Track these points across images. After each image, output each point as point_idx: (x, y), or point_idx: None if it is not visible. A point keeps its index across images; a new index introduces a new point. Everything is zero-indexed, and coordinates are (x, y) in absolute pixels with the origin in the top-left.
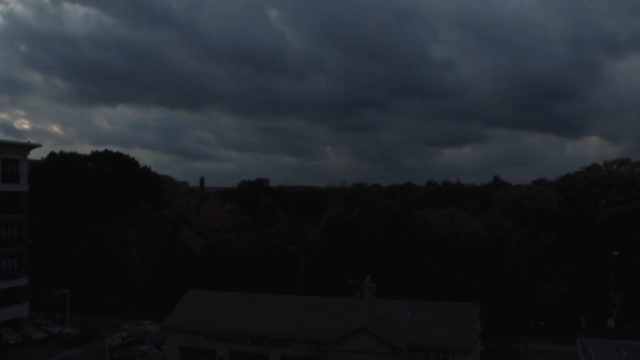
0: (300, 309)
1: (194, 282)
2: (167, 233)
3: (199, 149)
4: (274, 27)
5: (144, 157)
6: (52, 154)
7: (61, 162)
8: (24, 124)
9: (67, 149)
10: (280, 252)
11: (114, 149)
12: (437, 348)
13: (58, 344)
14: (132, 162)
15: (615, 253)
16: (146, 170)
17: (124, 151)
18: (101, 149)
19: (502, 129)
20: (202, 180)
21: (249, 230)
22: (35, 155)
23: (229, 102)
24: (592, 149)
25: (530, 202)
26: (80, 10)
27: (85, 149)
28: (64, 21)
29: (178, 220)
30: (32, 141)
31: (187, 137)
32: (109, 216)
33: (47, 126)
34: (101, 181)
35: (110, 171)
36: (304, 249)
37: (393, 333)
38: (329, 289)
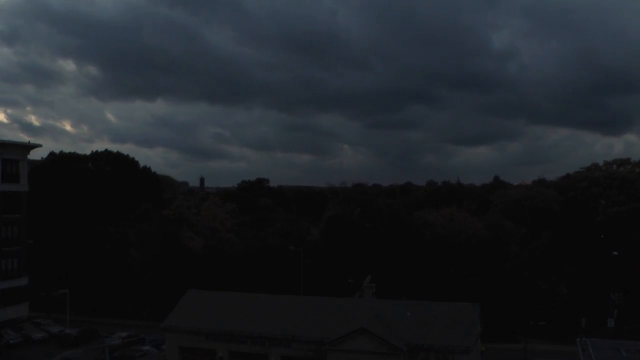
0: (300, 309)
1: (194, 282)
2: (167, 233)
3: (215, 146)
4: (326, 11)
5: (155, 155)
6: (52, 154)
7: (61, 162)
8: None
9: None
10: (280, 252)
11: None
12: (437, 348)
13: (58, 344)
14: (132, 162)
15: (615, 253)
16: (146, 170)
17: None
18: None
19: (544, 126)
20: (202, 180)
21: (249, 230)
22: (35, 155)
23: (273, 95)
24: (624, 146)
25: (530, 202)
26: None
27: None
28: (95, 2)
29: (178, 220)
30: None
31: (204, 133)
32: (109, 216)
33: (67, 121)
34: (101, 181)
35: (110, 171)
36: (304, 249)
37: (393, 333)
38: (329, 289)
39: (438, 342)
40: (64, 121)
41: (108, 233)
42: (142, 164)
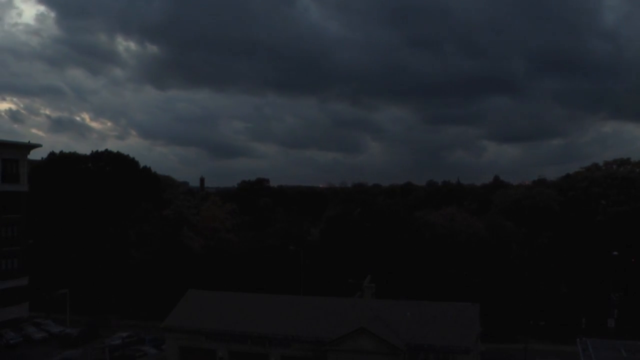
0: (300, 309)
1: (194, 282)
2: (167, 233)
3: (235, 143)
4: None
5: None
6: (52, 153)
7: (61, 162)
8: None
9: None
10: (280, 252)
11: None
12: (437, 348)
13: (58, 344)
14: (132, 162)
15: (615, 253)
16: (146, 170)
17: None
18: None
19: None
20: (202, 180)
21: (249, 230)
22: (35, 155)
23: (353, 82)
24: None
25: (530, 202)
26: None
27: None
28: None
29: (178, 220)
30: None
31: (226, 128)
32: (109, 216)
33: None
34: (101, 181)
35: (110, 171)
36: (304, 249)
37: (393, 333)
38: (329, 289)
39: (438, 342)
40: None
41: (108, 233)
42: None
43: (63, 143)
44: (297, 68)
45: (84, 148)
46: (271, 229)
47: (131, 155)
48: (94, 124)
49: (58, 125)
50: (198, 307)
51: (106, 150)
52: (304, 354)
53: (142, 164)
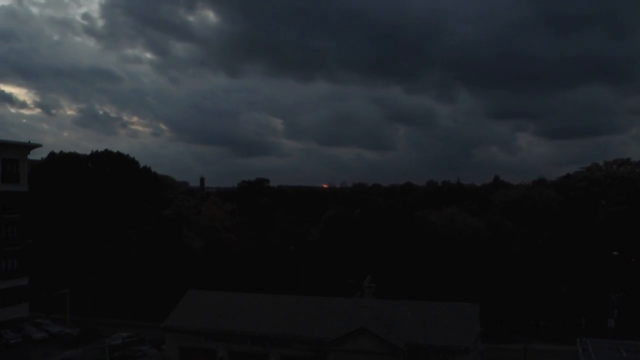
0: (300, 309)
1: (194, 282)
2: (167, 233)
3: (259, 140)
4: None
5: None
6: (52, 153)
7: (61, 162)
8: None
9: None
10: (280, 252)
11: None
12: (437, 348)
13: (58, 344)
14: (132, 162)
15: (615, 253)
16: (146, 170)
17: None
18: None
19: None
20: (202, 180)
21: (249, 230)
22: (35, 155)
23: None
24: None
25: (530, 202)
26: None
27: None
28: None
29: (178, 220)
30: None
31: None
32: (109, 216)
33: None
34: (101, 181)
35: (110, 171)
36: (304, 249)
37: (393, 333)
38: (329, 289)
39: (438, 342)
40: None
41: (108, 233)
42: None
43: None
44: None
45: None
46: (271, 229)
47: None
48: None
49: None
50: (198, 307)
51: (106, 150)
52: (304, 354)
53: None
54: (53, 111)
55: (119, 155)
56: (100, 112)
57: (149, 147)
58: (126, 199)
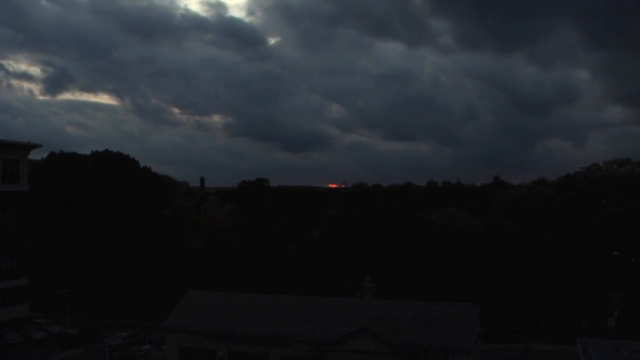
0: (300, 309)
1: (194, 282)
2: (167, 233)
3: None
4: None
5: None
6: (52, 153)
7: (61, 162)
8: None
9: None
10: (280, 252)
11: None
12: (437, 348)
13: (58, 344)
14: (132, 162)
15: (615, 253)
16: (146, 170)
17: None
18: None
19: None
20: (202, 180)
21: (249, 230)
22: (35, 155)
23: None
24: None
25: (530, 202)
26: None
27: None
28: None
29: (178, 220)
30: None
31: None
32: (109, 216)
33: None
34: (101, 181)
35: (110, 171)
36: (304, 249)
37: (393, 333)
38: (329, 289)
39: (438, 342)
40: None
41: (108, 233)
42: None
43: None
44: None
45: None
46: (271, 229)
47: None
48: None
49: None
50: (198, 307)
51: (106, 150)
52: (304, 354)
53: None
54: None
55: (119, 155)
56: None
57: None
58: (126, 198)
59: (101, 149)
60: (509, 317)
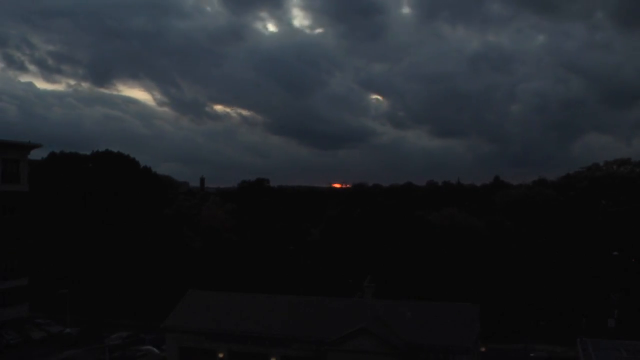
0: (300, 309)
1: (194, 282)
2: (168, 233)
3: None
4: None
5: None
6: (52, 153)
7: (61, 162)
8: None
9: None
10: (280, 252)
11: None
12: (437, 348)
13: (58, 344)
14: (132, 162)
15: (616, 253)
16: (146, 170)
17: None
18: None
19: None
20: (202, 180)
21: (249, 230)
22: (35, 155)
23: None
24: None
25: (531, 202)
26: None
27: None
28: None
29: (178, 220)
30: None
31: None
32: (109, 216)
33: None
34: (101, 181)
35: (111, 171)
36: (304, 249)
37: (393, 333)
38: (329, 289)
39: (438, 342)
40: None
41: (108, 233)
42: None
43: None
44: None
45: None
46: (271, 229)
47: None
48: None
49: None
50: (198, 307)
51: (106, 150)
52: (304, 354)
53: None
54: None
55: (119, 155)
56: None
57: None
58: (126, 198)
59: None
60: (509, 317)
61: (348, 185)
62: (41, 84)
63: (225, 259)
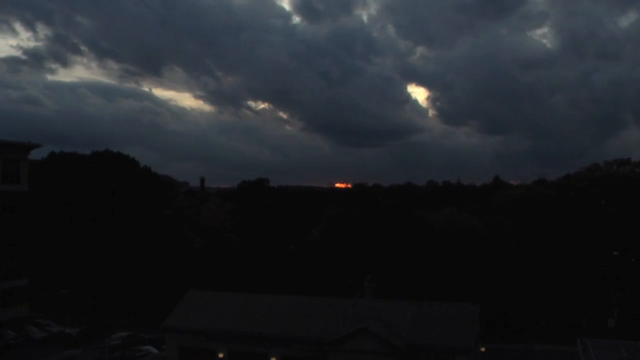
0: (300, 309)
1: (194, 282)
2: (168, 233)
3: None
4: None
5: None
6: (52, 153)
7: (61, 162)
8: None
9: None
10: (280, 252)
11: None
12: (437, 348)
13: (58, 344)
14: (132, 162)
15: (616, 253)
16: (146, 170)
17: None
18: None
19: None
20: (202, 180)
21: (249, 230)
22: (35, 155)
23: None
24: None
25: (530, 202)
26: None
27: None
28: None
29: (178, 220)
30: None
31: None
32: (109, 216)
33: None
34: (101, 181)
35: (111, 171)
36: (304, 249)
37: (393, 333)
38: (329, 289)
39: (438, 342)
40: None
41: (108, 233)
42: None
43: None
44: None
45: None
46: (271, 229)
47: None
48: None
49: None
50: (198, 307)
51: (106, 149)
52: (304, 354)
53: None
54: None
55: (119, 155)
56: None
57: None
58: (126, 198)
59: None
60: (509, 317)
61: (349, 185)
62: None
63: (225, 259)
